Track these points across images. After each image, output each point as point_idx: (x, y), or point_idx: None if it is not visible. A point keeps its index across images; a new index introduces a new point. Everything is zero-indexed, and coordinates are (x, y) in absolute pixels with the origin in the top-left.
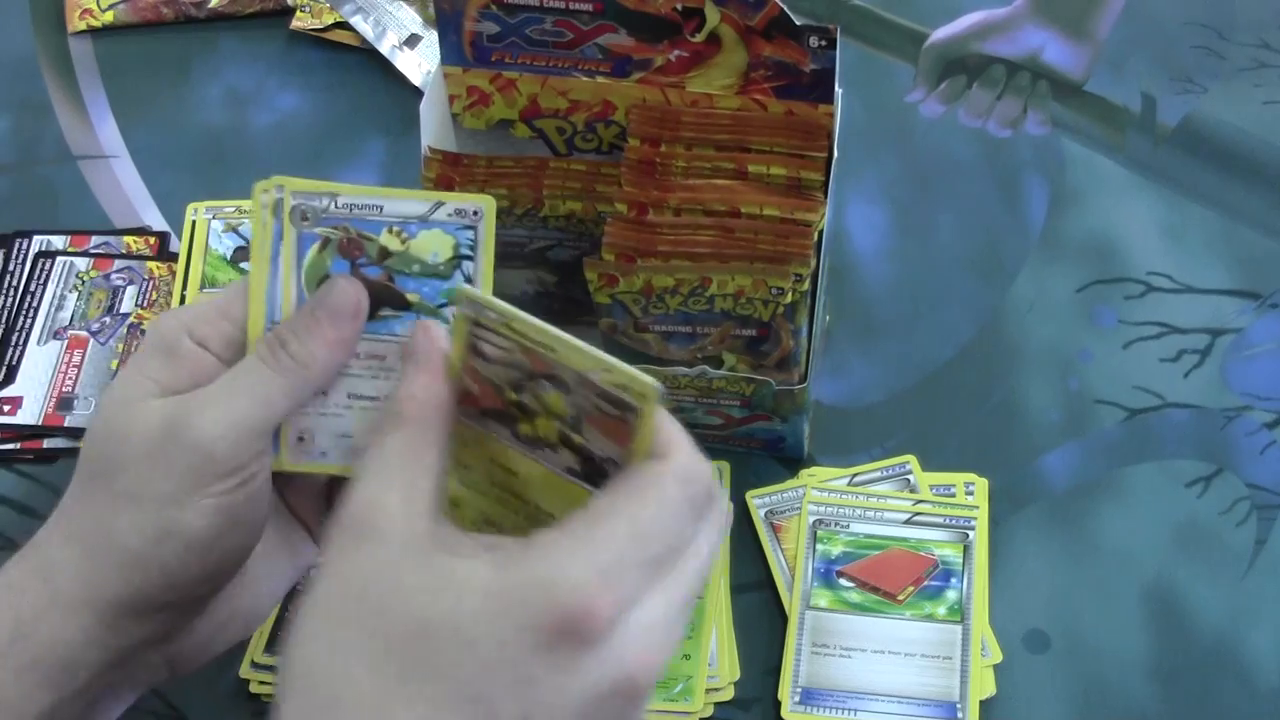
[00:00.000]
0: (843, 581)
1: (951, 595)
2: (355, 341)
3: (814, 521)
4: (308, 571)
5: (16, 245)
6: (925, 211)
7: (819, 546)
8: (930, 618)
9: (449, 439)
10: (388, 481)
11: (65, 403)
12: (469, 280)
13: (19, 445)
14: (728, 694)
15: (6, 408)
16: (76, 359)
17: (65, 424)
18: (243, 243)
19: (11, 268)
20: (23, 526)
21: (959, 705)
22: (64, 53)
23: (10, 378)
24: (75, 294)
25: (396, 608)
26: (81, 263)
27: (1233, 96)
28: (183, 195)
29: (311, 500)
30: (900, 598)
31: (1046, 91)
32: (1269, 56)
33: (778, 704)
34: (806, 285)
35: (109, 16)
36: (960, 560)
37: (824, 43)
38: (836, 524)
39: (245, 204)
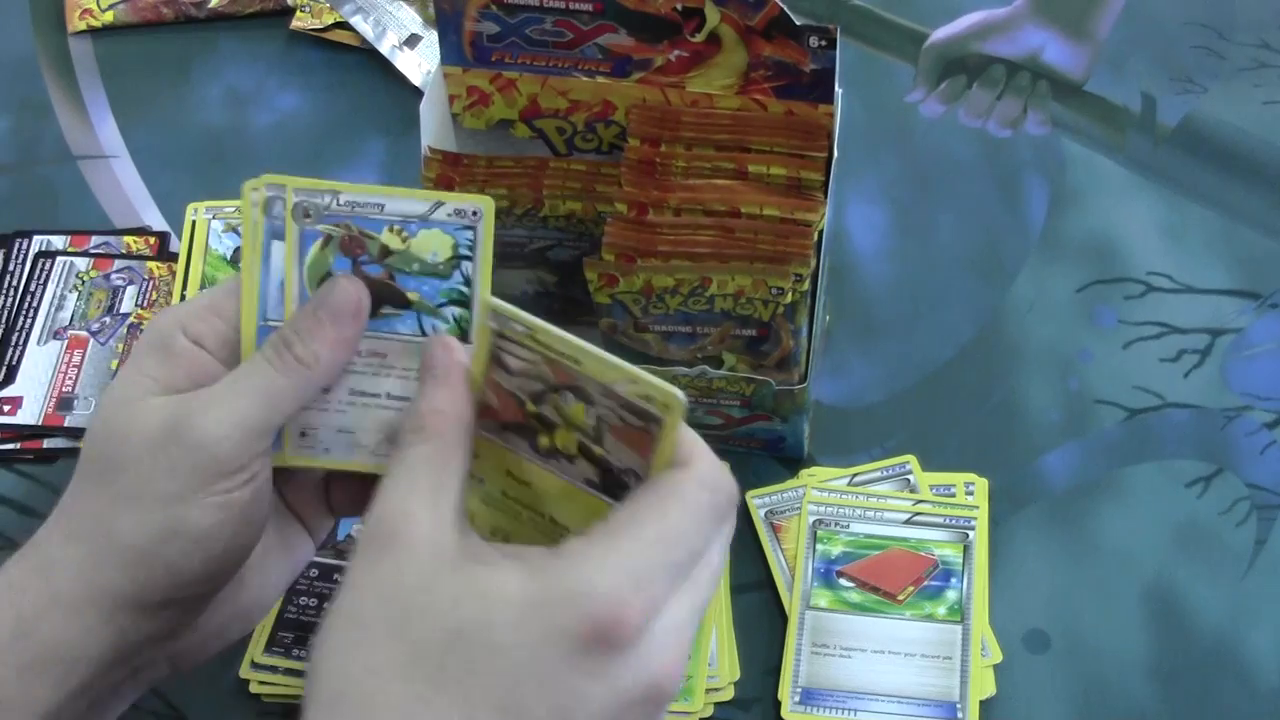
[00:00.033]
0: (843, 581)
1: (951, 595)
2: (358, 340)
3: (814, 521)
4: (305, 567)
5: (16, 245)
6: (925, 211)
7: (819, 546)
8: (930, 618)
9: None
10: (415, 493)
11: (65, 403)
12: (467, 281)
13: (19, 445)
14: (728, 694)
15: (6, 408)
16: (76, 359)
17: (65, 424)
18: None
19: (11, 268)
20: (23, 526)
21: (959, 705)
22: (64, 53)
23: (10, 378)
24: (75, 294)
25: (428, 617)
26: (81, 263)
27: (1233, 96)
28: (183, 195)
29: (309, 494)
30: (900, 598)
31: (1046, 91)
32: (1269, 56)
33: (778, 704)
34: (806, 285)
35: (109, 16)
36: (960, 560)
37: (824, 43)
38: (836, 524)
39: None
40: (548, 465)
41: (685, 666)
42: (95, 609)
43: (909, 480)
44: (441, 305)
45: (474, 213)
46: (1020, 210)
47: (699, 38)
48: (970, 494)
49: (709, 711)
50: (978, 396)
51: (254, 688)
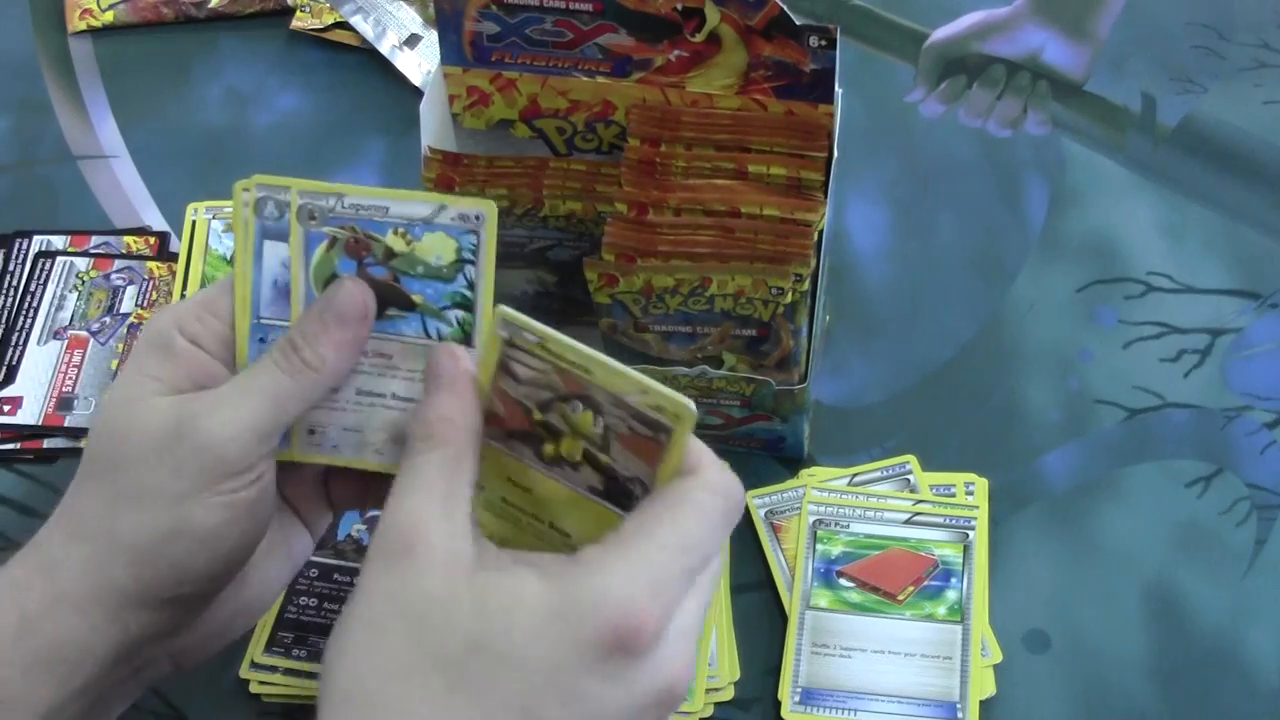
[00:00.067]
0: (843, 581)
1: (951, 595)
2: (364, 343)
3: (814, 521)
4: (305, 567)
5: (16, 245)
6: (925, 211)
7: (819, 546)
8: (930, 618)
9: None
10: (428, 501)
11: (65, 403)
12: (471, 285)
13: (19, 445)
14: (728, 694)
15: (6, 408)
16: (76, 359)
17: (65, 424)
18: None
19: (11, 268)
20: (23, 526)
21: (959, 705)
22: (64, 53)
23: (10, 378)
24: (75, 294)
25: (448, 624)
26: (81, 263)
27: (1233, 96)
28: (183, 195)
29: (308, 490)
30: (900, 598)
31: (1046, 91)
32: (1269, 56)
33: (778, 704)
34: (806, 285)
35: (109, 16)
36: (960, 560)
37: (824, 43)
38: (836, 524)
39: None
40: (551, 472)
41: (694, 668)
42: (100, 607)
43: (909, 480)
44: (445, 308)
45: (477, 217)
46: (1020, 210)
47: (699, 38)
48: (970, 494)
49: (709, 711)
50: (978, 396)
51: (254, 688)
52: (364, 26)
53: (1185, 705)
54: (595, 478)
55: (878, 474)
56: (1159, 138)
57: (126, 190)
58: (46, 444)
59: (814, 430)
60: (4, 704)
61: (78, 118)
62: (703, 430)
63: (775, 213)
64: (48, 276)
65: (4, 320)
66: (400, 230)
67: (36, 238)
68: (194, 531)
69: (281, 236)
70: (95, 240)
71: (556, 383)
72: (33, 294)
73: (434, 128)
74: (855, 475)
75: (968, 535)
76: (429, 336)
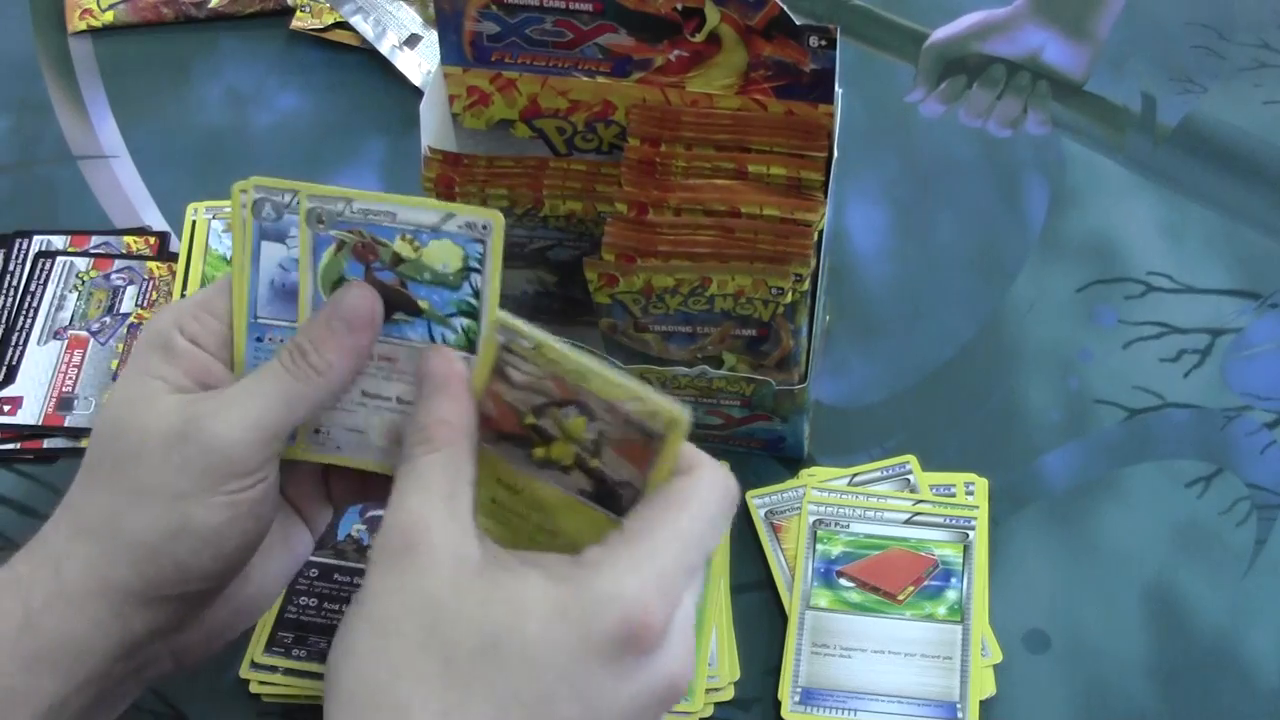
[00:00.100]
0: (843, 581)
1: (951, 595)
2: (371, 348)
3: (814, 521)
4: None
5: (16, 245)
6: (925, 211)
7: (819, 546)
8: (930, 618)
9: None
10: (430, 502)
11: (65, 403)
12: (476, 293)
13: (19, 445)
14: (728, 694)
15: (6, 408)
16: (76, 359)
17: (65, 424)
18: None
19: (11, 268)
20: (23, 526)
21: (959, 705)
22: (64, 53)
23: (10, 378)
24: (75, 294)
25: (458, 624)
26: (81, 263)
27: (1233, 96)
28: (183, 195)
29: (308, 487)
30: (900, 598)
31: (1046, 91)
32: (1269, 56)
33: (778, 704)
34: (806, 285)
35: (109, 16)
36: (960, 560)
37: (824, 43)
38: (836, 524)
39: None
40: (540, 475)
41: (695, 662)
42: (103, 603)
43: (909, 480)
44: (450, 315)
45: (484, 226)
46: (1020, 210)
47: (699, 38)
48: (970, 494)
49: (709, 711)
50: (978, 396)
51: (254, 688)
52: (364, 26)
53: (1185, 705)
54: (585, 481)
55: (878, 474)
56: (1159, 138)
57: (126, 190)
58: (46, 444)
59: (814, 430)
60: (6, 698)
61: (78, 118)
62: (703, 430)
63: (775, 213)
64: (48, 276)
65: (4, 320)
66: (408, 236)
67: (36, 238)
68: (198, 530)
69: (279, 238)
70: (95, 240)
71: (551, 388)
72: (33, 294)
73: (434, 128)
74: (855, 475)
75: (968, 535)
76: (434, 342)
